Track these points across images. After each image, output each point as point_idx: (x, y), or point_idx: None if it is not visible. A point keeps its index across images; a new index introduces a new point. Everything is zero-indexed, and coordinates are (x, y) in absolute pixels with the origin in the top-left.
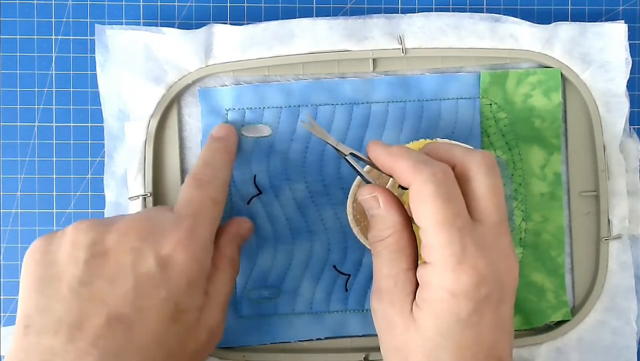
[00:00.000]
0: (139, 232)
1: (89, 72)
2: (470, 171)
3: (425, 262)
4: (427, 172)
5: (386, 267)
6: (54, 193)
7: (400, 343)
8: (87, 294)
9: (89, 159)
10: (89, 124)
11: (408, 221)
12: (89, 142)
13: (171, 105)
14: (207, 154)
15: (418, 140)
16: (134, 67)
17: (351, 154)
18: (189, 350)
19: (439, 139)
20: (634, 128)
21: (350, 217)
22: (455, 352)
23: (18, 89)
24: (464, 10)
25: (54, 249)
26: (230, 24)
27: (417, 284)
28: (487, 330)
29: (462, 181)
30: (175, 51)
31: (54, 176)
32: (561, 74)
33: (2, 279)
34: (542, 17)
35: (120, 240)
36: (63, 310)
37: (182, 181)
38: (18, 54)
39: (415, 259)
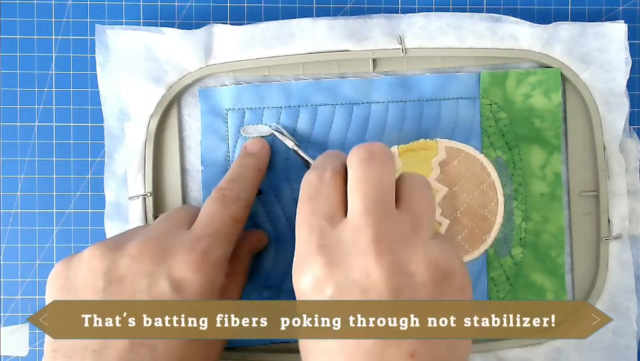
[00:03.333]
0: (152, 256)
1: (89, 72)
2: (348, 166)
3: None
4: (306, 176)
5: None
6: (54, 193)
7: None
8: None
9: (89, 159)
10: (89, 124)
11: None
12: (89, 142)
13: (171, 105)
14: (236, 168)
15: (418, 140)
16: (134, 67)
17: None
18: (211, 359)
19: (439, 139)
20: (634, 128)
21: None
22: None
23: (18, 89)
24: (464, 10)
25: (72, 275)
26: (230, 24)
27: None
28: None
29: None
30: (175, 51)
31: (54, 176)
32: (561, 74)
33: (2, 279)
34: (542, 17)
35: (134, 266)
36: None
37: (182, 180)
38: (18, 54)
39: None
